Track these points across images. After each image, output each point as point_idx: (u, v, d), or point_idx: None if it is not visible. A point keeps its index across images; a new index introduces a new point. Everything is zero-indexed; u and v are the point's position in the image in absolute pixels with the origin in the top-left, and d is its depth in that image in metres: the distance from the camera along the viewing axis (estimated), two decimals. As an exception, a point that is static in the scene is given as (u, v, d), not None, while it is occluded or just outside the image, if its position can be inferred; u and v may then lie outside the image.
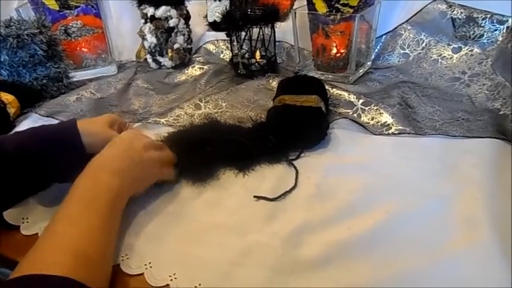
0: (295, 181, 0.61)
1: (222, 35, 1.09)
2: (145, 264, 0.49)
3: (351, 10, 0.87)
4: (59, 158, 0.58)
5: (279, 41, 1.04)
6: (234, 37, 0.97)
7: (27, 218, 0.58)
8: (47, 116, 0.88)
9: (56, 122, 0.86)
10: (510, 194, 0.54)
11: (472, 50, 0.88)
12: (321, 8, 0.90)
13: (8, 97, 0.88)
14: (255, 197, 0.58)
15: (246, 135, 0.69)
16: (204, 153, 0.64)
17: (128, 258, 0.50)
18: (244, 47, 0.99)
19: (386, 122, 0.73)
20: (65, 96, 0.96)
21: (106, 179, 0.52)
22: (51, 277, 0.39)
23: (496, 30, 0.87)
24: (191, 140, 0.62)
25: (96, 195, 0.50)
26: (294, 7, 0.96)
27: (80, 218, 0.47)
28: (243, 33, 0.96)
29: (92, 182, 0.51)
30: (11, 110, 0.87)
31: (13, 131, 0.83)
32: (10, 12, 1.04)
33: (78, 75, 1.07)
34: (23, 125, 0.86)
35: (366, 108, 0.76)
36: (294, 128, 0.67)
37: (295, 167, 0.63)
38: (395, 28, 0.97)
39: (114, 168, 0.53)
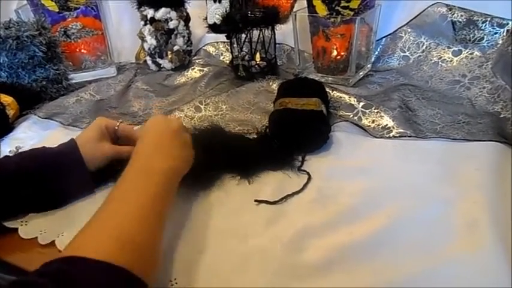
0: (303, 186, 0.60)
1: (222, 37, 1.09)
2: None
3: (351, 13, 0.87)
4: (62, 181, 0.58)
5: (279, 43, 1.03)
6: (234, 39, 0.97)
7: (26, 221, 0.58)
8: (46, 118, 0.88)
9: (55, 123, 0.86)
10: (511, 198, 0.54)
11: (472, 53, 0.88)
12: (322, 10, 0.90)
13: (7, 99, 0.87)
14: (256, 201, 0.58)
15: (250, 142, 0.69)
16: (207, 158, 0.63)
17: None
18: (244, 49, 0.99)
19: (387, 125, 0.73)
20: (64, 98, 0.96)
21: (157, 162, 0.51)
22: (91, 261, 0.37)
23: (496, 33, 0.87)
24: (194, 145, 0.62)
25: (147, 176, 0.49)
26: (295, 9, 0.97)
27: (129, 196, 0.46)
28: (243, 36, 0.96)
29: (142, 165, 0.51)
30: (10, 112, 0.87)
31: (12, 133, 0.84)
32: (9, 13, 1.04)
33: (77, 77, 1.07)
34: (22, 127, 0.86)
35: (367, 111, 0.76)
36: (297, 133, 0.67)
37: (308, 173, 0.63)
38: (396, 31, 0.97)
39: (163, 151, 0.53)
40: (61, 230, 0.56)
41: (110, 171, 0.63)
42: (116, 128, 0.66)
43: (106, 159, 0.62)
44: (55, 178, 0.57)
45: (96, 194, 0.63)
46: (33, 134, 0.84)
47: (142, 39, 1.11)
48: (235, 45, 0.98)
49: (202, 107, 0.86)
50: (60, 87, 0.99)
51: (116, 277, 0.37)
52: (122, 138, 0.66)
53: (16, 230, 0.57)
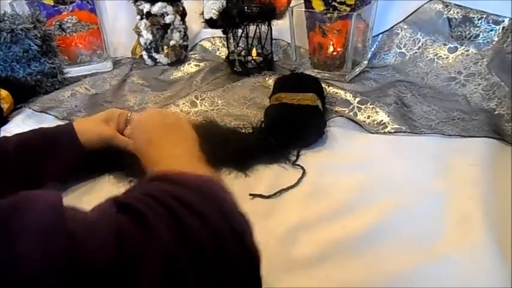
0: (297, 180, 0.60)
1: (218, 32, 1.09)
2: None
3: (348, 8, 0.87)
4: (57, 158, 0.58)
5: (275, 39, 1.03)
6: (231, 34, 0.97)
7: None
8: (40, 112, 0.87)
9: (49, 117, 0.86)
10: (505, 193, 0.54)
11: (467, 50, 0.88)
12: (318, 6, 0.90)
13: (1, 92, 0.87)
14: (250, 195, 0.58)
15: (245, 137, 0.68)
16: (203, 153, 0.63)
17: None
18: (240, 44, 0.99)
19: (382, 120, 0.73)
20: (59, 91, 0.95)
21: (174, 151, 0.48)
22: (195, 175, 0.38)
23: (491, 30, 0.87)
24: None
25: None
26: (291, 5, 0.97)
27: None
28: (240, 31, 0.96)
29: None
30: (5, 106, 0.86)
31: (6, 126, 0.83)
32: (4, 6, 1.03)
33: (72, 71, 1.06)
34: (17, 120, 0.85)
35: (362, 106, 0.76)
36: (292, 127, 0.67)
37: (302, 168, 0.63)
38: (392, 27, 0.98)
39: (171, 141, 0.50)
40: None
41: (107, 161, 0.63)
42: (128, 117, 0.66)
43: (101, 141, 0.62)
44: (47, 152, 0.58)
45: (91, 183, 0.63)
46: (28, 128, 0.82)
47: (139, 33, 1.11)
48: (231, 41, 0.98)
49: (198, 102, 0.85)
50: (55, 81, 0.98)
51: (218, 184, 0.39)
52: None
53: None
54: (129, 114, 0.67)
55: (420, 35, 0.94)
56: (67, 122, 0.83)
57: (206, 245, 0.31)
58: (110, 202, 0.33)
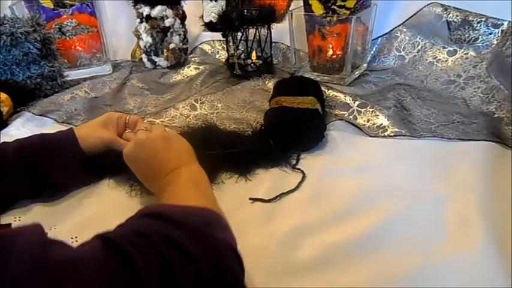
0: (298, 184, 0.60)
1: (218, 36, 1.09)
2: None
3: (347, 12, 0.87)
4: (58, 163, 0.58)
5: (275, 42, 1.04)
6: (230, 38, 0.97)
7: (19, 217, 0.57)
8: (40, 115, 0.87)
9: (49, 120, 0.86)
10: (504, 197, 0.54)
11: (467, 53, 0.89)
12: (318, 9, 0.90)
13: (1, 95, 0.87)
14: (250, 199, 0.58)
15: (245, 140, 0.68)
16: (203, 157, 0.63)
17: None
18: (240, 47, 0.99)
19: (382, 124, 0.73)
20: (58, 95, 0.95)
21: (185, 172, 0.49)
22: (194, 207, 0.39)
23: (490, 33, 0.87)
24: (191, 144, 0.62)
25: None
26: (291, 8, 0.97)
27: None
28: (239, 34, 0.96)
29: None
30: (4, 109, 0.86)
31: (5, 129, 0.83)
32: (4, 9, 1.03)
33: (72, 74, 1.06)
34: (16, 124, 0.85)
35: (362, 110, 0.76)
36: (292, 130, 0.67)
37: (302, 172, 0.63)
38: (391, 30, 0.98)
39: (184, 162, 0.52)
40: (54, 223, 0.55)
41: (106, 165, 0.63)
42: (127, 120, 0.66)
43: (102, 145, 0.62)
44: (47, 156, 0.57)
45: (92, 187, 0.63)
46: (27, 131, 0.83)
47: (138, 37, 1.11)
48: (231, 44, 0.98)
49: (197, 105, 0.85)
50: (55, 84, 0.98)
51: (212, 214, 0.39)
52: (130, 128, 0.66)
53: (9, 225, 0.56)
54: (127, 118, 0.67)
55: (419, 38, 0.94)
56: (67, 126, 0.84)
57: None
58: (99, 241, 0.33)
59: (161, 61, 1.10)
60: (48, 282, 0.26)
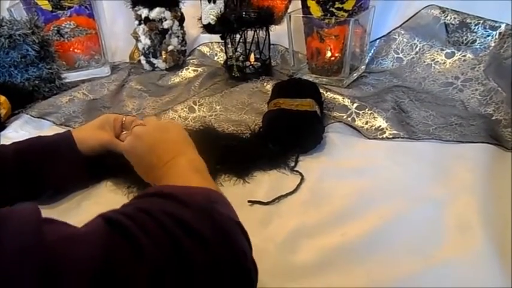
0: (296, 187, 0.60)
1: (216, 38, 1.09)
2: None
3: (346, 14, 0.88)
4: (56, 165, 0.58)
5: (273, 44, 1.04)
6: (229, 40, 0.97)
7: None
8: (38, 117, 0.87)
9: (47, 123, 0.86)
10: (503, 199, 0.54)
11: (464, 56, 0.89)
12: (316, 11, 0.90)
13: (-1, 98, 0.87)
14: (249, 201, 0.58)
15: (244, 142, 0.68)
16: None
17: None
18: (238, 49, 0.99)
19: (380, 126, 0.73)
20: (57, 97, 0.95)
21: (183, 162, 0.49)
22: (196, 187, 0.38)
23: (488, 36, 0.88)
24: None
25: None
26: (289, 10, 0.97)
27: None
28: (238, 36, 0.96)
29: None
30: (2, 111, 0.86)
31: (4, 132, 0.83)
32: (2, 12, 1.03)
33: (70, 77, 1.06)
34: (14, 126, 0.85)
35: (360, 112, 0.77)
36: (291, 133, 0.67)
37: (301, 174, 0.63)
38: (389, 32, 0.98)
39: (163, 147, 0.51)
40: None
41: (104, 167, 0.63)
42: (123, 121, 0.66)
43: (99, 146, 0.62)
44: (46, 159, 0.58)
45: (90, 189, 0.63)
46: (25, 133, 0.83)
47: (137, 38, 1.11)
48: (229, 46, 0.98)
49: (196, 107, 0.85)
50: (53, 87, 0.98)
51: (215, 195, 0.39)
52: (127, 129, 0.66)
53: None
54: (124, 119, 0.67)
55: (417, 40, 0.95)
56: (65, 128, 0.83)
57: (201, 267, 0.31)
58: (100, 218, 0.33)
59: (159, 63, 1.10)
60: (41, 261, 0.25)
